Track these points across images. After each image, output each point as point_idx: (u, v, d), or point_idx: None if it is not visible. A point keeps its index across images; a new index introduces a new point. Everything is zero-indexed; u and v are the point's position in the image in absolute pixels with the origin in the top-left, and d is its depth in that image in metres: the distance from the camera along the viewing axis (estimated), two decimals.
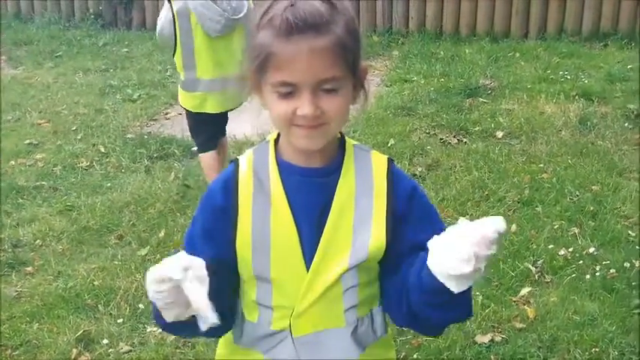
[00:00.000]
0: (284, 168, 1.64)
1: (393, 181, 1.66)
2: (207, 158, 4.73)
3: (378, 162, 1.68)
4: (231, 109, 4.75)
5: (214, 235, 1.64)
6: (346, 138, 1.70)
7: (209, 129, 4.72)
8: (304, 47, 1.48)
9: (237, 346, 1.72)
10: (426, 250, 1.51)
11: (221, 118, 4.81)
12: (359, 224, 1.62)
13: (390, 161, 1.69)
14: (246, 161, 1.66)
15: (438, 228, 1.57)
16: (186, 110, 4.77)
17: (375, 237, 1.62)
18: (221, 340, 1.79)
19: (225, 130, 4.99)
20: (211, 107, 4.62)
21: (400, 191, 1.66)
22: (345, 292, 1.64)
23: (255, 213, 1.61)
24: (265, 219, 1.61)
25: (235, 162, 1.68)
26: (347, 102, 1.58)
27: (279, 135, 1.66)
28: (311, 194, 1.63)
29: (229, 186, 1.64)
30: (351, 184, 1.64)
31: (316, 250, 1.60)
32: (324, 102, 1.52)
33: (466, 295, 1.51)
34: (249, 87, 1.61)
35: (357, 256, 1.61)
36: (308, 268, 1.61)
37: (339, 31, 1.51)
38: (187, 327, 1.53)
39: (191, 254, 1.51)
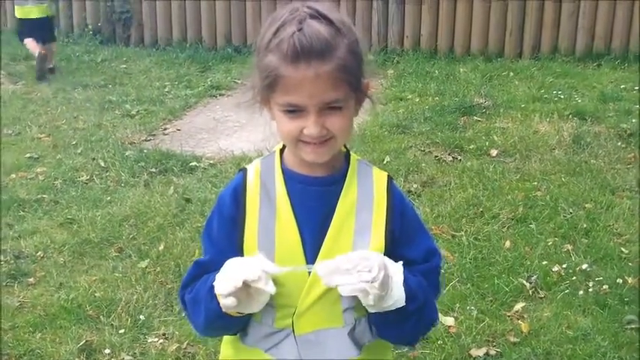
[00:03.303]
0: (289, 176, 1.73)
1: (391, 197, 1.76)
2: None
3: (379, 177, 1.78)
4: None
5: (224, 239, 1.74)
6: (351, 152, 1.78)
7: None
8: (310, 73, 1.57)
9: (243, 345, 1.80)
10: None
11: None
12: (359, 233, 1.71)
13: (390, 178, 1.80)
14: (253, 170, 1.76)
15: (424, 245, 1.77)
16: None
17: (374, 246, 1.71)
18: (226, 341, 1.86)
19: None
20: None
21: (396, 209, 1.76)
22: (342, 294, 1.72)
23: (262, 219, 1.70)
24: (270, 224, 1.70)
25: (243, 171, 1.77)
26: (350, 117, 1.68)
27: (284, 145, 1.75)
28: (314, 201, 1.72)
29: (238, 194, 1.74)
30: (353, 195, 1.74)
31: (318, 254, 1.68)
32: (329, 120, 1.62)
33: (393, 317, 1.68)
34: (259, 101, 1.70)
35: None
36: (309, 272, 1.69)
37: (342, 55, 1.60)
38: (230, 323, 1.68)
39: (207, 260, 1.64)
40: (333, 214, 1.71)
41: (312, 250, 1.69)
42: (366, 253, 1.64)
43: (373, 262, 1.59)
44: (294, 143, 1.66)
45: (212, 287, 1.63)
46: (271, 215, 1.71)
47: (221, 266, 1.65)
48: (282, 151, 1.77)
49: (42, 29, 8.47)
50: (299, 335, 1.72)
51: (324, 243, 1.70)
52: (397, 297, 1.63)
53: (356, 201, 1.73)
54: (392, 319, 1.68)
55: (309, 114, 1.60)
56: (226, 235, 1.73)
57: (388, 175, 1.80)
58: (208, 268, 1.73)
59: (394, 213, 1.75)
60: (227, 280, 1.58)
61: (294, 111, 1.61)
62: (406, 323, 1.71)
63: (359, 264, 1.59)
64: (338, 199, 1.72)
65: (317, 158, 1.66)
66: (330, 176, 1.74)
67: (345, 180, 1.74)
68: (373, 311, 1.66)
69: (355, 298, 1.67)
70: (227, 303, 1.58)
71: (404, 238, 1.74)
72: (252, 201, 1.72)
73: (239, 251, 1.69)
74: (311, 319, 1.72)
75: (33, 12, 8.45)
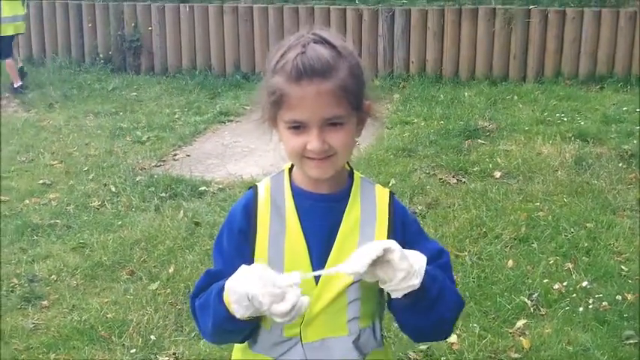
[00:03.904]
0: (297, 193, 1.84)
1: (392, 211, 1.87)
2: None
3: (382, 194, 1.89)
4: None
5: (233, 251, 1.83)
6: (354, 170, 1.90)
7: None
8: (312, 90, 1.69)
9: (252, 352, 1.89)
10: None
11: None
12: (363, 245, 1.78)
13: (392, 194, 1.90)
14: (264, 187, 1.87)
15: (431, 247, 1.83)
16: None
17: None
18: (236, 349, 1.96)
19: None
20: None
21: (396, 220, 1.86)
22: (349, 304, 1.82)
23: (272, 232, 1.81)
24: (280, 237, 1.80)
25: (254, 188, 1.88)
26: (351, 135, 1.78)
27: (292, 164, 1.86)
28: (321, 217, 1.83)
29: (249, 209, 1.84)
30: (357, 211, 1.84)
31: (324, 266, 1.77)
32: (330, 136, 1.73)
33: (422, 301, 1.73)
34: (267, 120, 1.82)
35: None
36: (317, 282, 1.79)
37: (342, 76, 1.72)
38: (237, 327, 1.75)
39: (217, 270, 1.77)
40: (338, 229, 1.81)
41: (318, 263, 1.78)
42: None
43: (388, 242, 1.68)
44: (299, 159, 1.76)
45: (220, 292, 1.72)
46: (281, 229, 1.81)
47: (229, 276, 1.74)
48: (290, 170, 1.88)
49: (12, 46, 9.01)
50: (306, 343, 1.81)
51: (330, 256, 1.79)
52: (419, 272, 1.68)
53: (360, 217, 1.84)
54: (419, 304, 1.73)
55: (312, 129, 1.71)
56: (235, 247, 1.83)
57: (390, 192, 1.90)
58: (218, 277, 1.81)
59: (395, 225, 1.84)
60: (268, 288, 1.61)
61: (297, 127, 1.73)
62: (434, 306, 1.77)
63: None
64: (343, 215, 1.83)
65: (320, 174, 1.77)
66: (335, 193, 1.84)
67: (349, 197, 1.85)
68: (400, 294, 1.69)
69: (360, 309, 1.79)
70: (281, 309, 1.60)
71: (409, 245, 1.79)
72: (262, 215, 1.82)
73: (248, 262, 1.77)
74: (318, 327, 1.81)
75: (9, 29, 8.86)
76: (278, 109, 1.75)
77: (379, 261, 1.65)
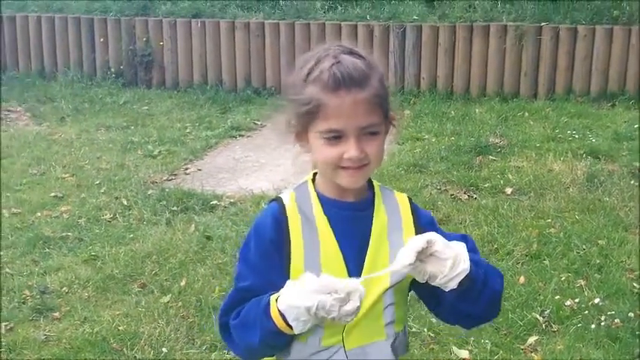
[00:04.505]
0: (324, 202, 1.86)
1: (415, 215, 1.92)
2: None
3: (402, 200, 1.94)
4: None
5: (264, 263, 1.83)
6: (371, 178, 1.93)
7: None
8: (349, 99, 1.73)
9: None
10: None
11: None
12: (394, 252, 1.81)
13: (410, 198, 1.96)
14: (289, 197, 1.87)
15: (455, 237, 1.86)
16: None
17: None
18: None
19: None
20: None
21: (422, 222, 1.92)
22: (384, 309, 1.86)
23: (306, 242, 1.82)
24: (315, 247, 1.82)
25: (278, 199, 1.88)
26: (383, 144, 1.83)
27: (314, 174, 1.89)
28: (351, 225, 1.85)
29: (279, 219, 1.84)
30: (384, 218, 1.88)
31: (360, 273, 1.79)
32: (366, 145, 1.76)
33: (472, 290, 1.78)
34: (294, 132, 1.83)
35: (395, 276, 1.82)
36: None
37: (375, 85, 1.77)
38: (283, 341, 1.77)
39: (248, 285, 1.78)
40: (367, 237, 1.84)
41: (354, 271, 1.80)
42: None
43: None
44: (333, 169, 1.78)
45: (266, 308, 1.72)
46: (314, 237, 1.82)
47: (264, 290, 1.76)
48: (312, 180, 1.90)
49: None
50: (349, 350, 1.83)
51: (365, 263, 1.82)
52: (465, 256, 1.72)
53: (387, 223, 1.87)
54: (472, 288, 1.77)
55: (349, 138, 1.74)
56: (266, 259, 1.83)
57: (408, 197, 1.96)
58: (250, 292, 1.82)
59: (421, 228, 1.87)
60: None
61: (334, 137, 1.75)
62: (485, 286, 1.81)
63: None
64: (370, 223, 1.86)
65: (354, 183, 1.80)
66: (360, 202, 1.87)
67: (373, 205, 1.88)
68: (455, 282, 1.71)
69: (394, 313, 1.83)
70: (350, 308, 1.63)
71: None
72: (294, 225, 1.83)
73: (281, 274, 1.78)
74: (358, 334, 1.83)
75: None
76: (312, 120, 1.77)
77: (425, 256, 1.69)
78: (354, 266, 1.81)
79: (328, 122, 1.74)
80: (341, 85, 1.72)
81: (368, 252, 1.83)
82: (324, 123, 1.75)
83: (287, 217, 1.83)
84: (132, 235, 5.35)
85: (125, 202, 5.95)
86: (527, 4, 9.14)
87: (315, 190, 1.88)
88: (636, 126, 7.43)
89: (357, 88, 1.72)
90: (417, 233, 1.85)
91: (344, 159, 1.76)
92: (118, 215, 5.73)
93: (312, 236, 1.82)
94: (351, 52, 1.78)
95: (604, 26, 8.65)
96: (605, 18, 8.75)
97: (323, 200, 1.86)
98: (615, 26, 8.63)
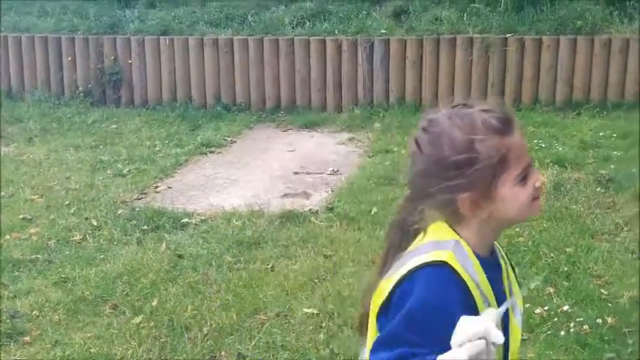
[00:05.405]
0: (481, 262, 1.76)
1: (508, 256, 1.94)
2: None
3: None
4: None
5: (449, 335, 1.60)
6: None
7: None
8: (519, 132, 1.74)
9: None
10: None
11: None
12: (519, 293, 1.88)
13: None
14: (453, 262, 1.71)
15: None
16: None
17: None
18: None
19: None
20: None
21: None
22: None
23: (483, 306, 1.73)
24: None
25: (447, 265, 1.71)
26: None
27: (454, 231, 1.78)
28: (498, 282, 1.80)
29: (463, 287, 1.71)
30: (508, 267, 1.89)
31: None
32: None
33: None
34: (466, 205, 1.73)
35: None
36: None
37: None
38: None
39: (420, 350, 1.63)
40: (508, 289, 1.83)
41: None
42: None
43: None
44: (527, 206, 1.74)
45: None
46: (486, 300, 1.73)
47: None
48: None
49: None
50: None
51: (510, 320, 1.80)
52: None
53: (506, 267, 1.87)
54: None
55: (532, 168, 1.75)
56: (450, 328, 1.60)
57: None
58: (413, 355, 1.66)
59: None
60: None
61: (526, 175, 1.72)
62: None
63: None
64: (507, 274, 1.85)
65: (542, 208, 1.85)
66: (494, 255, 1.84)
67: (498, 254, 1.86)
68: None
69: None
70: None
71: None
72: (474, 292, 1.71)
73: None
74: None
75: None
76: (501, 172, 1.70)
77: None
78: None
79: (520, 162, 1.71)
80: (513, 123, 1.72)
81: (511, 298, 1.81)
82: (517, 165, 1.71)
83: (464, 280, 1.70)
84: (102, 256, 5.33)
85: (95, 223, 5.92)
86: (492, 15, 9.25)
87: (473, 251, 1.76)
88: (601, 134, 7.54)
89: (515, 119, 1.75)
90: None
91: (536, 188, 1.73)
92: (88, 236, 5.70)
93: (484, 299, 1.73)
94: (467, 104, 1.77)
95: (568, 36, 8.78)
96: (568, 28, 8.89)
97: (479, 260, 1.75)
98: (579, 36, 8.77)
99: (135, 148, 7.94)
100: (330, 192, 6.48)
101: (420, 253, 1.74)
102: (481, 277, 1.73)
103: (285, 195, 6.47)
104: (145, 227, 5.78)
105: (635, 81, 8.55)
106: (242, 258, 5.18)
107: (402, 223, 1.85)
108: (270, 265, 5.09)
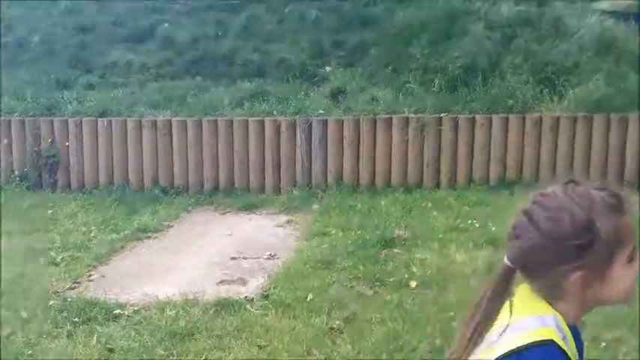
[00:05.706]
0: (573, 336, 1.77)
1: None
2: None
3: None
4: None
5: None
6: None
7: None
8: (629, 210, 1.74)
9: None
10: None
11: None
12: None
13: None
14: (558, 340, 1.71)
15: None
16: None
17: None
18: None
19: None
20: None
21: None
22: None
23: None
24: None
25: (555, 344, 1.70)
26: None
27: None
28: (581, 352, 1.82)
29: None
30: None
31: None
32: None
33: None
34: (577, 285, 1.72)
35: None
36: None
37: None
38: None
39: None
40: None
41: None
42: None
43: None
44: (632, 289, 1.74)
45: None
46: None
47: None
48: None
49: None
50: None
51: None
52: None
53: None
54: None
55: (636, 249, 1.73)
56: None
57: None
58: None
59: None
60: None
61: (633, 256, 1.72)
62: None
63: None
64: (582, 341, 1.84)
65: None
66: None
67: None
68: None
69: None
70: None
71: None
72: None
73: None
74: None
75: None
76: (618, 250, 1.69)
77: None
78: None
79: (631, 241, 1.70)
80: (624, 201, 1.71)
81: None
82: (629, 244, 1.70)
83: (569, 357, 1.71)
84: (31, 352, 5.18)
85: (25, 315, 5.77)
86: (427, 95, 9.45)
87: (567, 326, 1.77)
88: None
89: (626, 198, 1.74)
90: None
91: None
92: (17, 330, 5.55)
93: None
94: (573, 181, 1.76)
95: (500, 115, 9.01)
96: (500, 107, 9.12)
97: (572, 333, 1.77)
98: (510, 115, 9.01)
99: (70, 235, 7.82)
100: (266, 278, 6.45)
101: (524, 328, 1.73)
102: (573, 349, 1.74)
103: (222, 282, 6.42)
104: (77, 319, 5.64)
105: (564, 159, 8.78)
106: (174, 351, 5.09)
107: (502, 293, 1.82)
108: (203, 358, 5.01)
